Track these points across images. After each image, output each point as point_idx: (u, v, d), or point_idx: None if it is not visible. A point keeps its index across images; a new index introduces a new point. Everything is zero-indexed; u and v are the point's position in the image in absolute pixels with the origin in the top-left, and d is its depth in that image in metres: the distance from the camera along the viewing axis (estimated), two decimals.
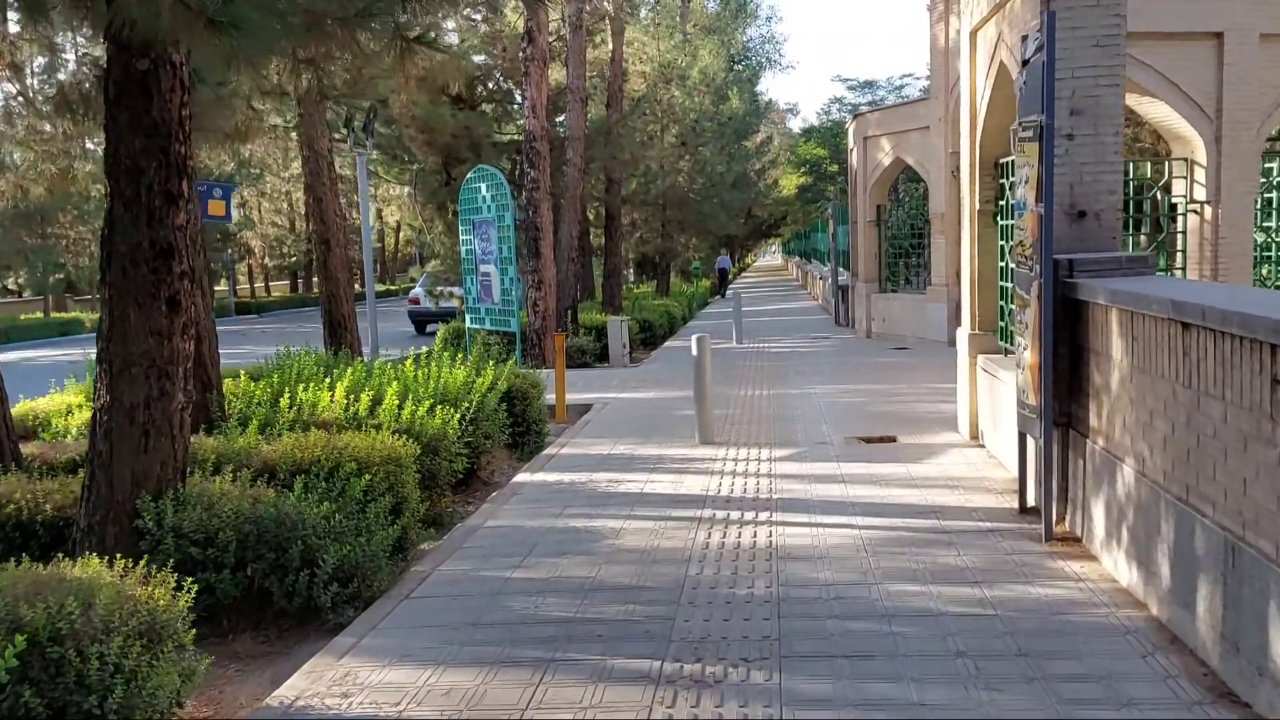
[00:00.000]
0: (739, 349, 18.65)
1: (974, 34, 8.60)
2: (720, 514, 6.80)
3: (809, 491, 7.33)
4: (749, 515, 6.72)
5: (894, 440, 9.06)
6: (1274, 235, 10.53)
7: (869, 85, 50.00)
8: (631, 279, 41.16)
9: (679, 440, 9.59)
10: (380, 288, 57.01)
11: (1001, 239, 8.24)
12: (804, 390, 12.59)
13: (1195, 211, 10.07)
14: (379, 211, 39.24)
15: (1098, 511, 5.37)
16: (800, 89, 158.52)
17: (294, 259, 49.75)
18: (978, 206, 8.59)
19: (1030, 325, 5.79)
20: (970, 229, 8.72)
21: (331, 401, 7.99)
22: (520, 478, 8.39)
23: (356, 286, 16.88)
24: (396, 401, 7.84)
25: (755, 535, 6.24)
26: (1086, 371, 5.62)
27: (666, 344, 21.07)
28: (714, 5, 39.53)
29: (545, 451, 9.47)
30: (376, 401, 7.96)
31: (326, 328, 11.96)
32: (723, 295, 37.49)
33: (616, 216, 23.27)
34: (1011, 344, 7.64)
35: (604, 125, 21.38)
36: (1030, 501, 6.45)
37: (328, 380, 8.56)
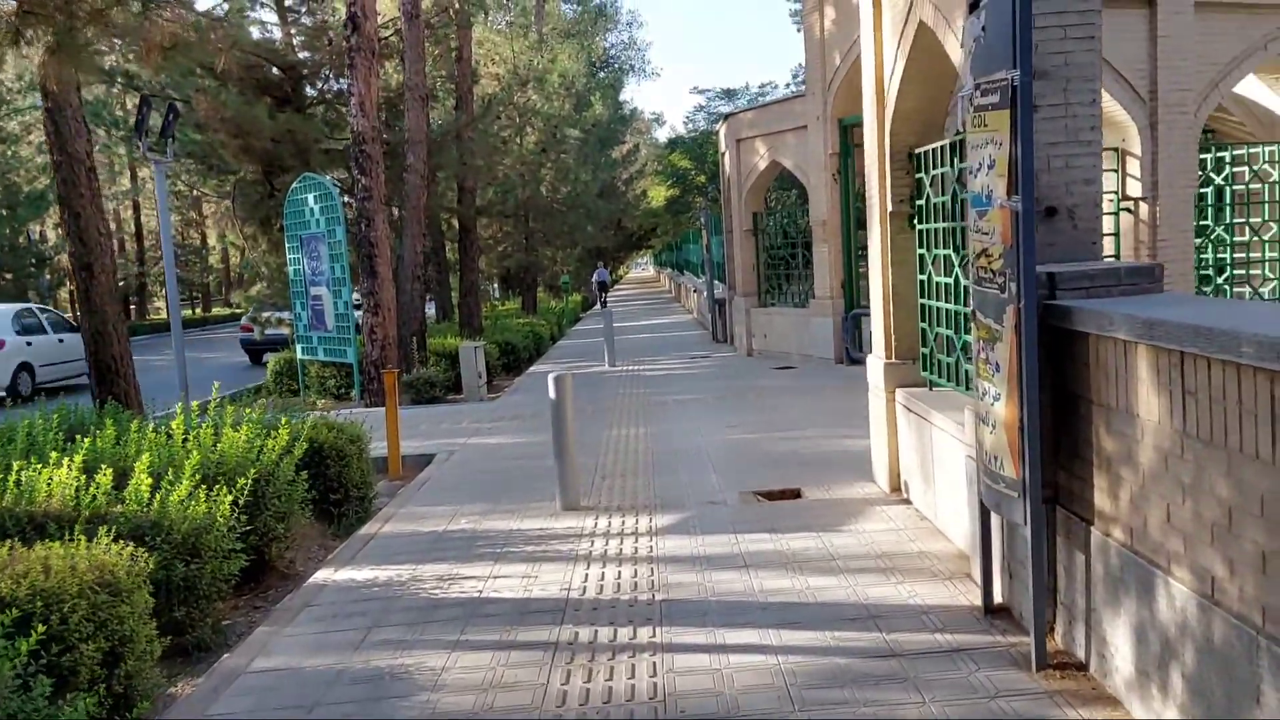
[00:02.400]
0: (612, 373, 16.86)
1: None
2: (585, 633, 4.93)
3: (703, 585, 5.54)
4: (625, 634, 4.88)
5: (799, 495, 7.39)
6: (1210, 236, 9.40)
7: (729, 94, 48.92)
8: (496, 296, 38.98)
9: (537, 503, 7.69)
10: (224, 311, 53.01)
11: (920, 246, 6.68)
12: (686, 426, 10.86)
13: (1129, 210, 8.82)
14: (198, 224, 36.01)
15: (1119, 635, 3.74)
16: (666, 98, 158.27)
17: (122, 281, 45.46)
18: (889, 208, 7.01)
19: (1004, 367, 4.14)
20: (881, 236, 7.13)
21: (61, 483, 5.74)
22: (320, 575, 6.33)
23: (186, 312, 14.30)
24: (149, 480, 5.69)
25: (634, 672, 4.40)
26: (1086, 431, 4.00)
27: (532, 368, 19.11)
28: (570, 8, 37.87)
29: (364, 530, 7.42)
30: (123, 481, 5.80)
31: (93, 373, 9.54)
32: (603, 305, 37.45)
33: (471, 229, 21.16)
34: (960, 384, 6.06)
35: (452, 128, 19.30)
36: (998, 597, 4.82)
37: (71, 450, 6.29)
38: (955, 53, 5.45)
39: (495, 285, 39.95)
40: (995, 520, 4.72)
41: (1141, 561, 3.56)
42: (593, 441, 10.10)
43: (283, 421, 7.19)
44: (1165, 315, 3.27)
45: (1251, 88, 10.32)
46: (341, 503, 7.77)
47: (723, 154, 20.29)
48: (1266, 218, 9.53)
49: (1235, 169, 9.68)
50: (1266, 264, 9.61)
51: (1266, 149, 9.53)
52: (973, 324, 4.57)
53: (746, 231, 18.58)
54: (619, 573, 5.87)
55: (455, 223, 21.65)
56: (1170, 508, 3.36)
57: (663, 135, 62.17)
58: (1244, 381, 2.89)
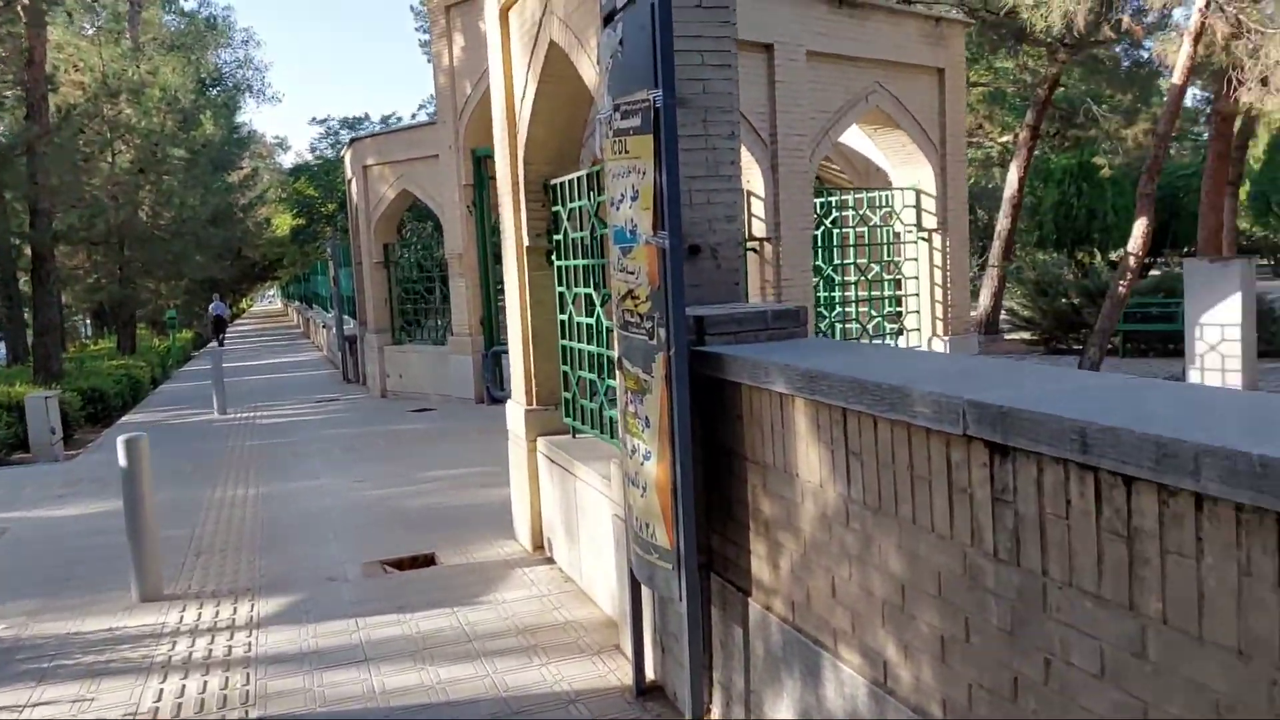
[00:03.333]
0: (223, 422, 14.96)
1: (504, 13, 6.52)
2: None
3: (313, 691, 4.57)
4: None
5: (433, 562, 6.59)
6: (823, 275, 9.91)
7: (351, 123, 46.72)
8: (87, 335, 34.14)
9: (110, 594, 6.23)
10: None
11: (560, 284, 6.22)
12: (307, 483, 9.63)
13: (754, 249, 9.02)
14: None
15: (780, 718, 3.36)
16: (292, 124, 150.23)
17: None
18: (526, 242, 6.48)
19: (655, 422, 3.67)
20: (519, 272, 6.58)
21: None
22: None
23: None
24: None
25: None
26: (741, 491, 3.63)
27: (126, 418, 16.54)
28: (174, 20, 34.41)
29: None
30: None
31: None
32: (220, 343, 34.23)
33: (49, 258, 18.04)
34: (604, 431, 5.60)
35: (20, 141, 16.35)
36: (651, 673, 4.36)
37: None
38: (590, 75, 5.01)
39: (87, 322, 34.97)
40: (649, 593, 4.25)
41: (805, 640, 3.19)
42: (190, 508, 8.60)
43: None
44: (828, 367, 2.93)
45: (851, 137, 11.17)
46: None
47: (349, 180, 19.02)
48: (869, 259, 10.28)
49: (841, 213, 10.36)
50: (871, 302, 10.36)
51: (868, 195, 10.29)
52: (618, 372, 4.08)
53: (377, 263, 17.45)
54: (204, 684, 4.73)
55: (28, 250, 18.38)
56: (836, 581, 3.02)
57: (288, 161, 58.49)
58: (916, 444, 2.57)
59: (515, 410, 6.78)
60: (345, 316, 21.09)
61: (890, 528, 2.71)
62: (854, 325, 10.28)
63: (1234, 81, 10.29)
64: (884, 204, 10.62)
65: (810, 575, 3.16)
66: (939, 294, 10.52)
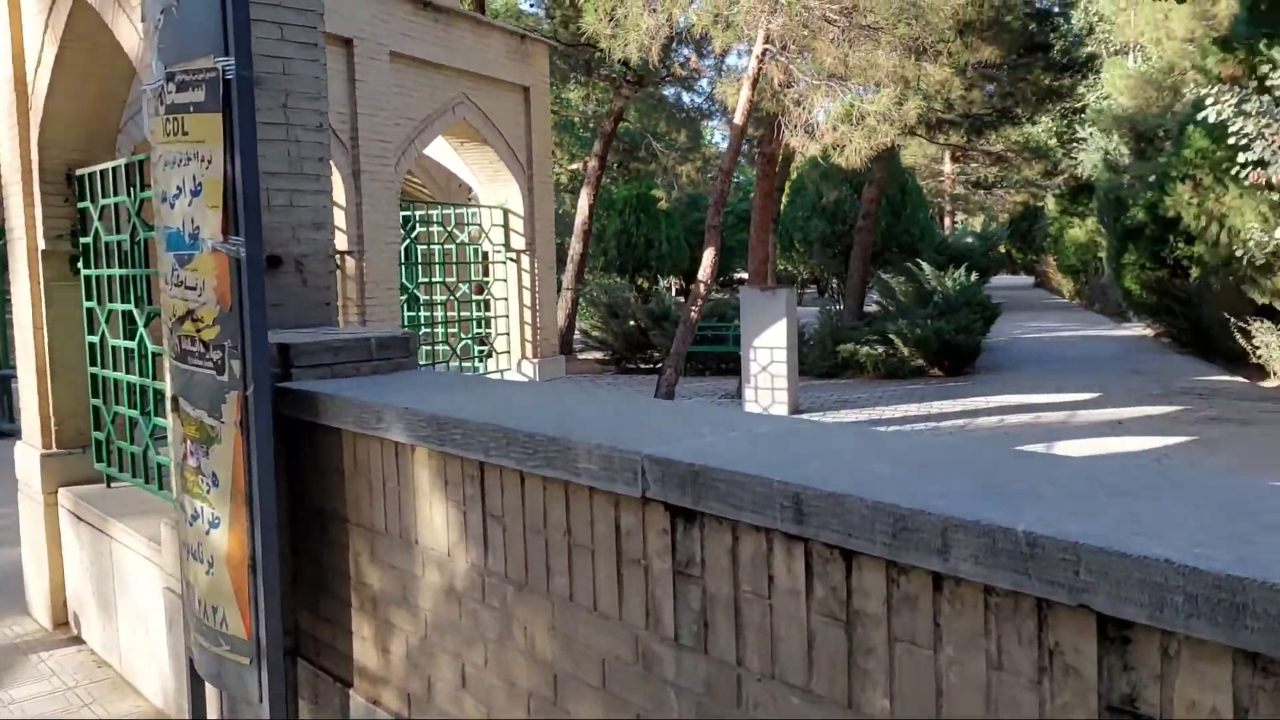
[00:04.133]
0: None
1: None
2: None
3: None
4: None
5: None
6: (416, 290, 9.23)
7: None
8: None
9: None
10: None
11: (90, 298, 5.02)
12: None
13: (337, 265, 8.14)
14: None
15: None
16: None
17: None
18: (42, 245, 5.17)
19: (226, 480, 2.88)
20: (32, 282, 5.23)
21: None
22: None
23: None
24: None
25: None
26: (341, 560, 2.97)
27: None
28: None
29: None
30: None
31: None
32: None
33: None
34: (152, 482, 4.54)
35: None
36: None
37: None
38: (132, 40, 4.02)
39: None
40: (214, 691, 3.39)
41: None
42: None
43: None
44: (462, 411, 2.40)
45: (435, 150, 10.69)
46: None
47: None
48: (458, 278, 9.85)
49: (428, 228, 9.83)
50: (460, 324, 9.93)
51: (456, 211, 9.86)
52: (171, 416, 3.20)
53: None
54: None
55: None
56: (467, 669, 2.49)
57: None
58: (576, 506, 2.13)
59: (28, 455, 5.39)
60: None
61: (540, 605, 2.25)
62: (442, 348, 9.78)
63: (781, 126, 11.40)
64: (471, 221, 10.27)
65: (433, 662, 2.61)
66: (528, 316, 10.39)
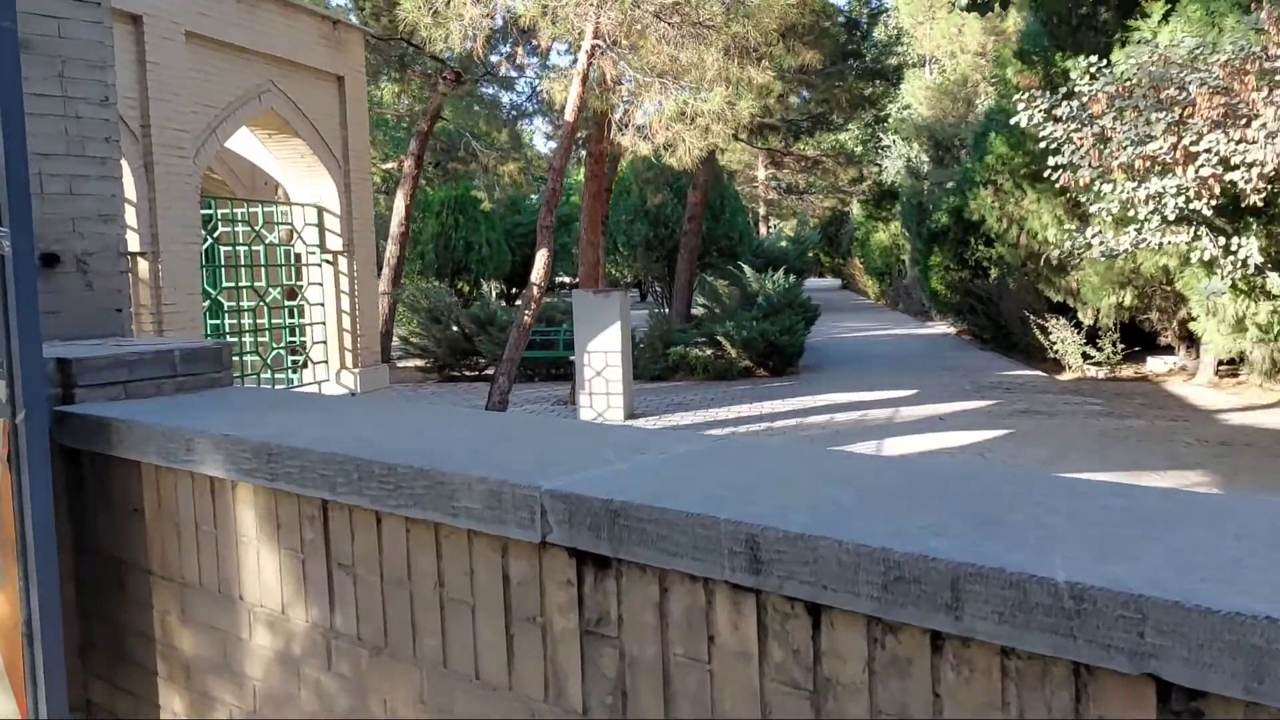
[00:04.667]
0: None
1: None
2: None
3: None
4: None
5: None
6: (220, 295, 8.36)
7: None
8: None
9: None
10: None
11: None
12: None
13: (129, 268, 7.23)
14: None
15: None
16: None
17: None
18: None
19: None
20: None
21: None
22: None
23: None
24: None
25: None
26: (144, 620, 2.45)
27: None
28: None
29: None
30: None
31: None
32: None
33: None
34: None
35: None
36: None
37: None
38: None
39: None
40: None
41: None
42: None
43: None
44: (297, 438, 1.97)
45: (237, 143, 9.83)
46: None
47: None
48: (267, 282, 9.06)
49: (231, 227, 8.99)
50: (270, 331, 9.14)
51: (264, 209, 9.06)
52: None
53: None
54: None
55: None
56: None
57: None
58: (450, 553, 1.75)
59: None
60: None
61: (405, 673, 1.85)
62: (252, 358, 8.96)
63: (611, 125, 11.19)
64: (283, 220, 9.48)
65: None
66: (347, 322, 9.69)
